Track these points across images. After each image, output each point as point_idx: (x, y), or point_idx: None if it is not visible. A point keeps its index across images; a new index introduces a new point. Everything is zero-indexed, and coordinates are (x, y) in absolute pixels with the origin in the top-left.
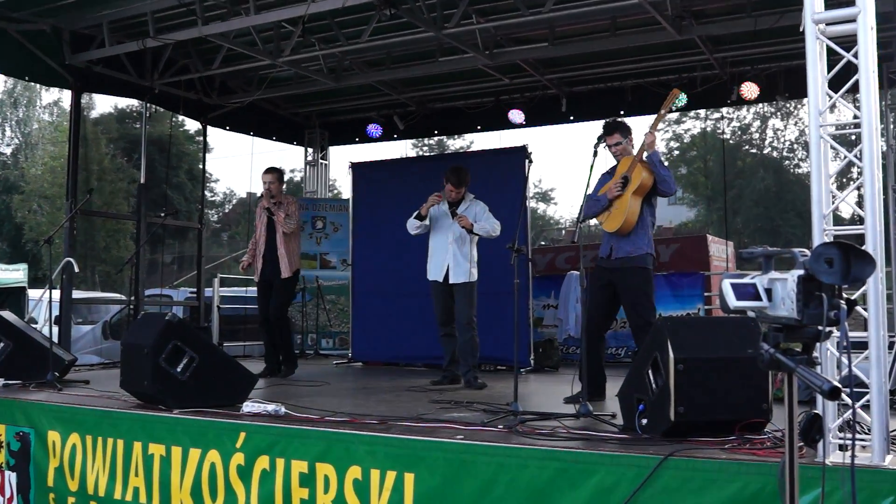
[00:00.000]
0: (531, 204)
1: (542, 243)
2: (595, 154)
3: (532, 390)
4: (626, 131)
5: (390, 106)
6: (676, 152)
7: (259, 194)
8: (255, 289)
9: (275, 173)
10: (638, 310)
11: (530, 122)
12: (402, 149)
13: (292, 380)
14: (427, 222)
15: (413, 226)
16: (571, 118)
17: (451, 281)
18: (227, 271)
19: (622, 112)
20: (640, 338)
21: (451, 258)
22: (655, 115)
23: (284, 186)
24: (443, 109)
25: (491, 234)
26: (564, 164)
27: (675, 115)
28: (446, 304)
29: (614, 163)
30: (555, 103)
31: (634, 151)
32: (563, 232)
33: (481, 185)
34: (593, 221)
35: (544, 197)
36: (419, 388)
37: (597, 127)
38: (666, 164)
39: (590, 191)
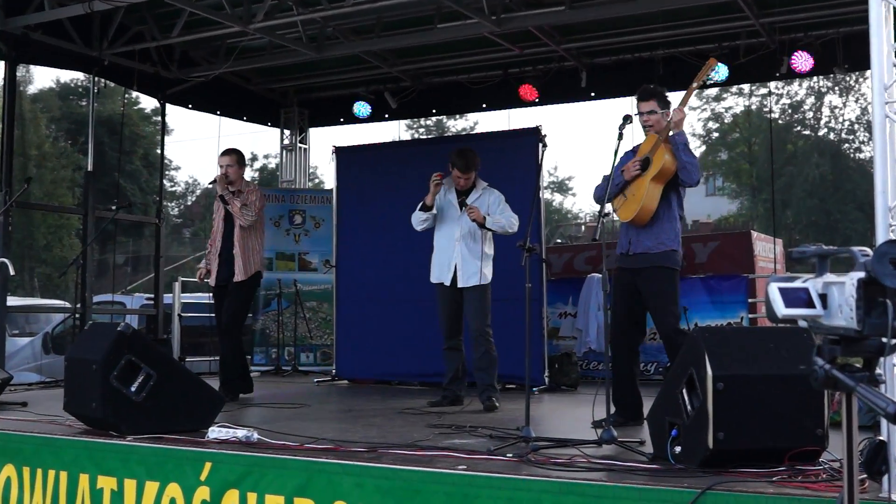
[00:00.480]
0: (545, 195)
1: (559, 241)
2: (620, 136)
3: (546, 412)
4: (664, 101)
5: (381, 81)
6: (716, 134)
7: (214, 178)
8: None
9: (233, 155)
10: (660, 317)
11: (544, 99)
12: (394, 131)
13: (267, 401)
14: (434, 212)
15: (419, 219)
16: (592, 94)
17: (459, 284)
18: (190, 274)
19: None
20: (669, 351)
21: (458, 257)
22: (689, 87)
23: (247, 173)
24: (442, 85)
25: (507, 229)
26: (584, 148)
27: (714, 91)
28: (454, 311)
29: (640, 141)
30: (573, 77)
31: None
32: (583, 228)
33: (487, 174)
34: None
35: (561, 187)
36: (415, 410)
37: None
38: (692, 148)
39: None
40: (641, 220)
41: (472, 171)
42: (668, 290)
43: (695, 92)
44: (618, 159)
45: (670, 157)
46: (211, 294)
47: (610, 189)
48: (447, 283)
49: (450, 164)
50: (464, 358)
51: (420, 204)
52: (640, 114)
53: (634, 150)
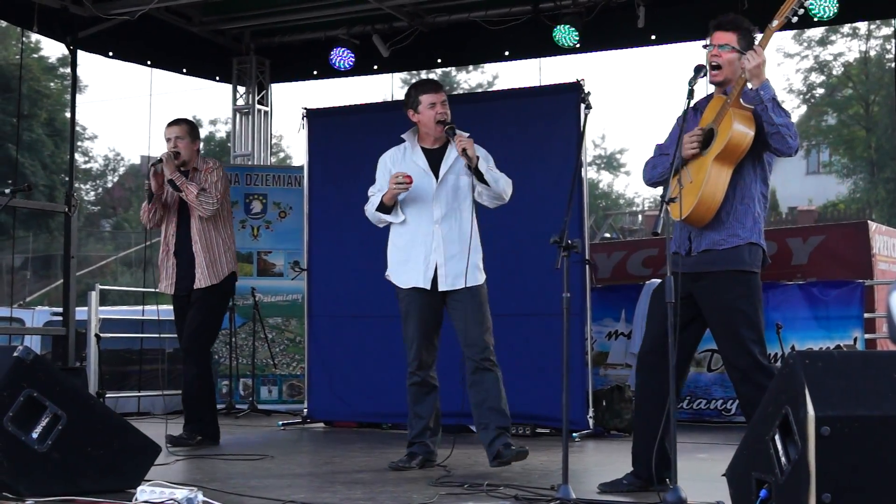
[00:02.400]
0: (589, 174)
1: (608, 235)
2: (691, 95)
3: (591, 466)
4: (748, 36)
5: (367, 20)
6: (820, 90)
7: (159, 158)
8: (170, 308)
9: (182, 125)
10: (730, 344)
11: (588, 44)
12: (385, 88)
13: (217, 451)
14: (397, 214)
15: (375, 219)
16: (653, 38)
17: (442, 286)
18: (113, 280)
19: None
20: (745, 396)
21: (440, 248)
22: (767, 27)
23: (201, 147)
24: (451, 26)
25: (501, 193)
26: (641, 111)
27: (817, 32)
28: (430, 328)
29: (708, 95)
30: (627, 15)
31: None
32: (640, 217)
33: (508, 144)
34: None
35: (610, 163)
36: (411, 467)
37: (692, 53)
38: (784, 104)
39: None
40: (700, 218)
41: (443, 92)
42: (744, 305)
43: (780, 32)
44: (680, 124)
45: (745, 126)
46: (176, 310)
47: (661, 169)
48: (426, 287)
49: (415, 95)
50: (438, 398)
51: (377, 197)
52: (711, 46)
53: (699, 110)
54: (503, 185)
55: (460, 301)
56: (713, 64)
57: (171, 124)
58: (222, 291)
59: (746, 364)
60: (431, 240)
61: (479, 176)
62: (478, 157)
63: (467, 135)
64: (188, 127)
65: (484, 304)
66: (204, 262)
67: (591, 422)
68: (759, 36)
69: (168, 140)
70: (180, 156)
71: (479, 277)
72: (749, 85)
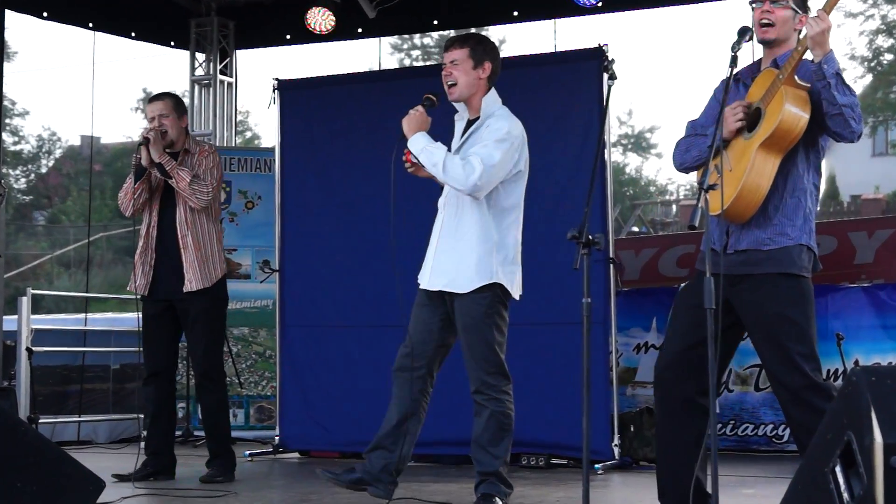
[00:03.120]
0: (614, 156)
1: (636, 229)
2: (734, 63)
3: (616, 502)
4: None
5: None
6: (889, 56)
7: (144, 138)
8: (117, 316)
9: (168, 101)
10: (778, 360)
11: (611, 3)
12: (371, 54)
13: (171, 486)
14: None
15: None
16: None
17: (421, 283)
18: (48, 283)
19: None
20: (796, 410)
21: (434, 239)
22: None
23: (142, 118)
24: None
25: (442, 177)
26: (674, 82)
27: None
28: (422, 327)
29: (752, 63)
30: None
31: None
32: (674, 208)
33: (521, 120)
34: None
35: (638, 144)
36: (409, 498)
37: (735, 11)
38: (854, 81)
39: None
40: (739, 214)
41: (454, 48)
42: (794, 313)
43: None
44: (719, 95)
45: (796, 108)
46: (142, 313)
47: (695, 152)
48: (422, 285)
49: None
50: (420, 400)
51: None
52: (760, 3)
53: (741, 82)
54: (442, 170)
55: (458, 312)
56: (763, 21)
57: (153, 100)
58: (219, 299)
59: (798, 383)
60: (436, 231)
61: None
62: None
63: (499, 103)
64: (173, 102)
65: (478, 322)
66: (197, 259)
67: (616, 451)
68: None
69: (151, 119)
70: (167, 135)
71: (472, 281)
72: (809, 56)
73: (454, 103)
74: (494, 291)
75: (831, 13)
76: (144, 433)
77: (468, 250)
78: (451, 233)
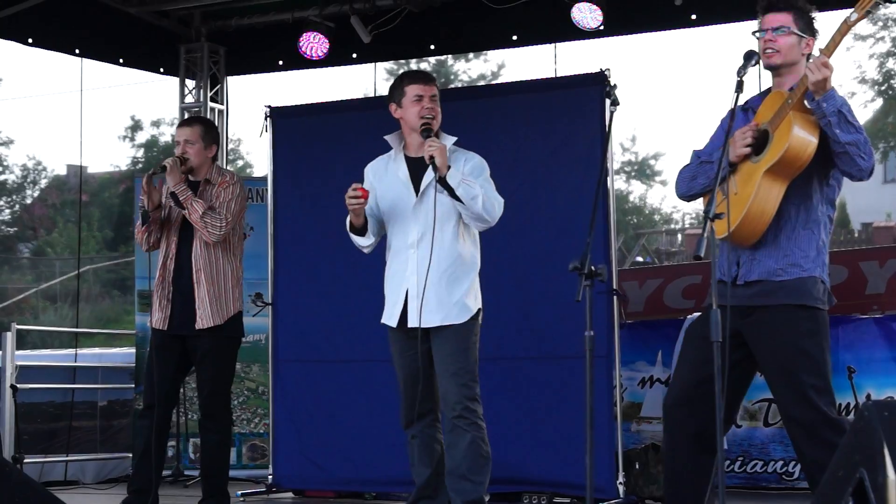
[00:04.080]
0: (617, 184)
1: (640, 259)
2: (740, 87)
3: None
4: (807, 21)
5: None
6: None
7: (161, 166)
8: (105, 352)
9: (196, 127)
10: (790, 393)
11: (613, 26)
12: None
13: None
14: (367, 237)
15: (359, 243)
16: (693, 18)
17: (411, 322)
18: (33, 317)
19: None
20: (808, 445)
21: (411, 277)
22: (844, 20)
23: (126, 149)
24: (446, 4)
25: (480, 213)
26: (678, 107)
27: (895, 9)
28: (413, 372)
29: (758, 92)
30: None
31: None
32: (680, 237)
33: (516, 148)
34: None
35: (642, 170)
36: None
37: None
38: (855, 113)
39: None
40: (744, 238)
41: (435, 86)
42: (808, 345)
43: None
44: (725, 125)
45: (804, 133)
46: (150, 344)
47: (703, 180)
48: (393, 325)
49: (393, 96)
50: (442, 451)
51: (347, 224)
52: (763, 32)
53: (749, 109)
54: (482, 205)
55: (438, 342)
56: (768, 50)
57: (182, 125)
58: (232, 336)
59: (810, 418)
60: (405, 267)
61: (450, 191)
62: (449, 168)
63: (453, 140)
64: (202, 129)
65: (465, 348)
66: (207, 295)
67: (621, 489)
68: (828, 14)
69: (177, 144)
70: (188, 162)
71: (460, 314)
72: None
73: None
74: (476, 318)
75: (832, 56)
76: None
77: (460, 282)
78: (441, 268)
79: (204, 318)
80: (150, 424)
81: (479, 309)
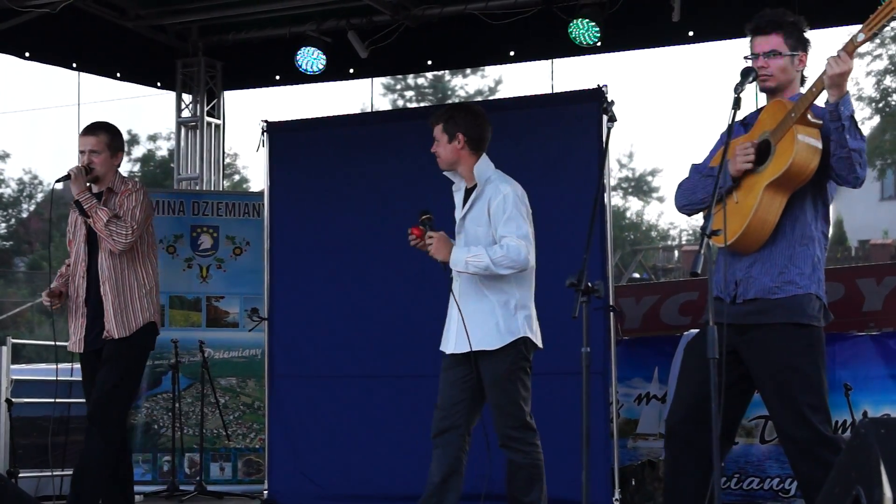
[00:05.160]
0: (614, 200)
1: (637, 276)
2: (737, 105)
3: None
4: (798, 38)
5: (341, 13)
6: (895, 98)
7: (66, 174)
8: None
9: (101, 134)
10: (786, 412)
11: (610, 43)
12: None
13: None
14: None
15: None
16: (691, 35)
17: (463, 349)
18: (28, 332)
19: None
20: (804, 463)
21: (453, 304)
22: (850, 39)
23: (124, 164)
24: (443, 20)
25: (497, 273)
26: (676, 124)
27: (892, 26)
28: (458, 391)
29: (755, 108)
30: (658, 7)
31: (803, 88)
32: (677, 254)
33: (513, 164)
34: None
35: (639, 187)
36: None
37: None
38: (861, 123)
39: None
40: (746, 246)
41: (433, 126)
42: (803, 363)
43: (846, 26)
44: (724, 140)
45: (809, 148)
46: (84, 370)
47: (700, 192)
48: (446, 351)
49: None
50: (460, 457)
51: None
52: (754, 56)
53: (748, 125)
54: (496, 269)
55: (484, 370)
56: (762, 75)
57: (86, 133)
58: (139, 346)
59: (805, 436)
60: (453, 294)
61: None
62: (449, 253)
63: (488, 174)
64: (108, 137)
65: (506, 377)
66: (112, 307)
67: None
68: (821, 31)
69: (81, 152)
70: (93, 171)
71: (501, 339)
72: (820, 100)
73: (446, 174)
74: (518, 348)
75: (853, 55)
76: None
77: (491, 311)
78: (473, 297)
79: (112, 329)
80: (91, 442)
81: (522, 338)
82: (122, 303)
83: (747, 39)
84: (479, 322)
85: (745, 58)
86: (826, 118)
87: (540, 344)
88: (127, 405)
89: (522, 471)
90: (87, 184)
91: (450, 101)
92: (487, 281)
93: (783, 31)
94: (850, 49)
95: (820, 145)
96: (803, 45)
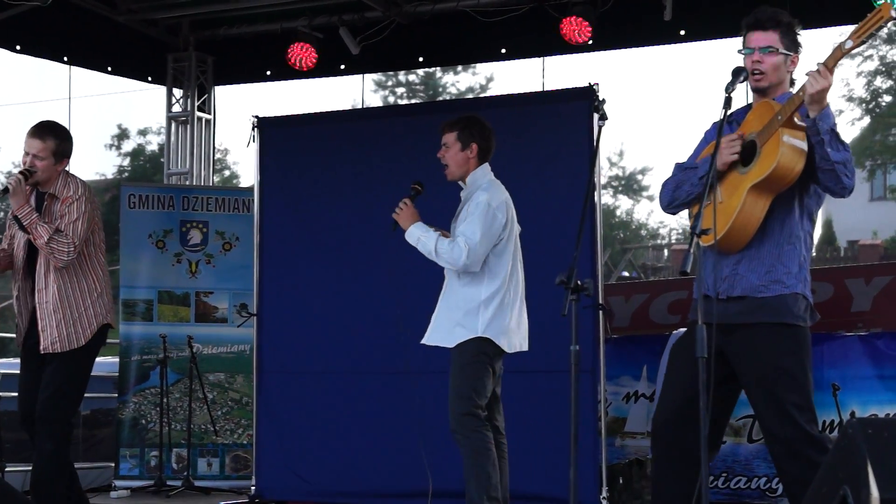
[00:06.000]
0: (605, 198)
1: (626, 274)
2: (728, 103)
3: None
4: (792, 39)
5: (333, 9)
6: (887, 98)
7: (4, 187)
8: (99, 360)
9: (49, 141)
10: (772, 412)
11: (602, 41)
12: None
13: None
14: None
15: None
16: (682, 34)
17: (431, 342)
18: (12, 327)
19: None
20: (789, 463)
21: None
22: (837, 46)
23: (113, 157)
24: (435, 17)
25: (435, 257)
26: (667, 122)
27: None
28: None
29: (743, 105)
30: (650, 6)
31: (793, 88)
32: (666, 252)
33: (503, 162)
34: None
35: (629, 185)
36: None
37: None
38: (843, 131)
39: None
40: (730, 245)
41: (445, 132)
42: (789, 363)
43: (841, 26)
44: (709, 137)
45: (794, 151)
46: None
47: (687, 188)
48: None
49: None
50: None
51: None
52: (750, 51)
53: (734, 122)
54: (434, 258)
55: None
56: (756, 71)
57: (34, 135)
58: (88, 348)
59: (791, 435)
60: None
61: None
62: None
63: (484, 183)
64: (55, 143)
65: (458, 373)
66: (63, 319)
67: (605, 503)
68: (813, 32)
69: (25, 154)
70: (34, 175)
71: (456, 336)
72: (809, 110)
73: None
74: (478, 345)
75: (834, 70)
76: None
77: (455, 307)
78: (446, 294)
79: (55, 344)
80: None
81: (482, 338)
82: (71, 316)
83: (738, 39)
84: (443, 318)
85: (739, 51)
86: (807, 132)
87: (506, 347)
88: (76, 403)
89: (466, 458)
90: (27, 193)
91: (440, 99)
92: (461, 277)
93: (780, 30)
94: (830, 64)
95: (806, 147)
96: (796, 47)
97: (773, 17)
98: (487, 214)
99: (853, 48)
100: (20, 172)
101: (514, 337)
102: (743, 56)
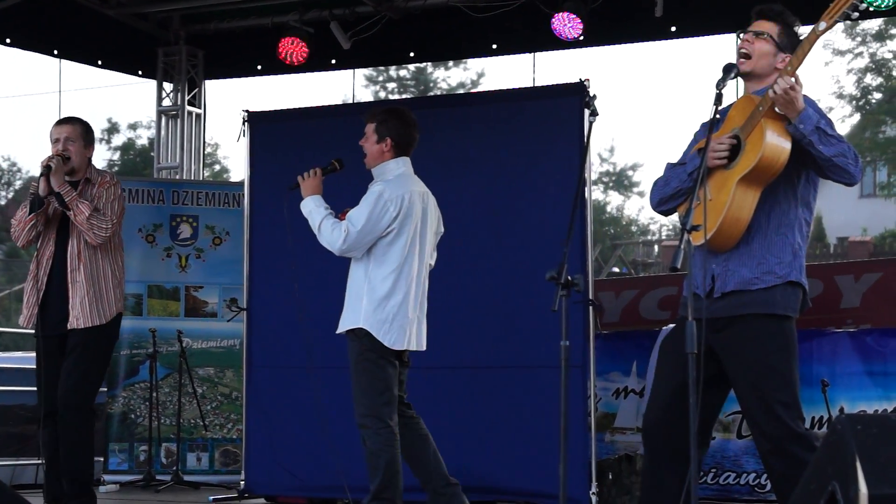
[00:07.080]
0: (595, 194)
1: (616, 270)
2: (718, 100)
3: None
4: (792, 34)
5: (324, 4)
6: (877, 95)
7: (46, 164)
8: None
9: (76, 125)
10: (759, 408)
11: (593, 37)
12: (345, 86)
13: None
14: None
15: None
16: (673, 30)
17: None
18: (6, 319)
19: None
20: (776, 460)
21: None
22: (812, 29)
23: (102, 153)
24: (426, 12)
25: (317, 233)
26: (657, 118)
27: (874, 24)
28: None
29: (732, 102)
30: (641, 2)
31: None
32: (656, 248)
33: (494, 157)
34: None
35: (619, 181)
36: None
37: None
38: (833, 123)
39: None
40: (721, 245)
41: (366, 122)
42: (775, 359)
43: (833, 29)
44: (699, 137)
45: (777, 140)
46: (35, 351)
47: (675, 184)
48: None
49: None
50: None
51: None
52: (746, 41)
53: (718, 120)
54: (316, 234)
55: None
56: (742, 51)
57: (60, 122)
58: (108, 335)
59: (777, 433)
60: None
61: None
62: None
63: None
64: (82, 128)
65: (354, 365)
66: (88, 296)
67: (594, 499)
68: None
69: (55, 141)
70: (69, 162)
71: (345, 323)
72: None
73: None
74: (361, 338)
75: (796, 71)
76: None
77: (349, 296)
78: (351, 273)
79: (81, 319)
80: (51, 434)
81: (362, 329)
82: (97, 292)
83: (729, 36)
84: (344, 305)
85: (738, 34)
86: (795, 136)
87: (389, 344)
88: (96, 392)
89: (367, 459)
90: (64, 176)
91: (431, 94)
92: (355, 267)
93: (782, 26)
94: (792, 67)
95: (790, 137)
96: (792, 49)
97: (780, 13)
98: (377, 205)
99: (826, 29)
100: (58, 154)
101: (407, 335)
102: (740, 40)
